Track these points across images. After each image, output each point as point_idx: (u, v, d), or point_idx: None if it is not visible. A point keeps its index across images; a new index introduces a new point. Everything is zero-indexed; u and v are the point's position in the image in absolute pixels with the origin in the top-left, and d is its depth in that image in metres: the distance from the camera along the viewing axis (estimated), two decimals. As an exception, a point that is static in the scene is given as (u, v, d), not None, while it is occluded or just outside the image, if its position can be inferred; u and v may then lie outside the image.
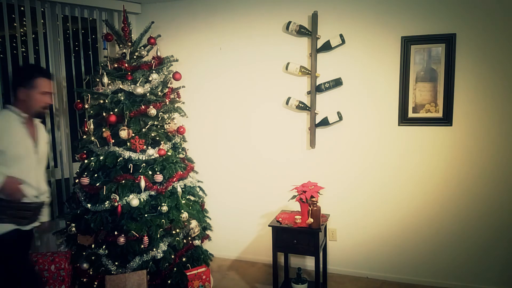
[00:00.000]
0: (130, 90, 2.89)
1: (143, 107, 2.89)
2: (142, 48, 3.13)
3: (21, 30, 3.22)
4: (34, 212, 2.04)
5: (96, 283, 2.83)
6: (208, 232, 3.37)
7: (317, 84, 3.29)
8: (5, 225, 2.02)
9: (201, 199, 3.31)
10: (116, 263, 2.81)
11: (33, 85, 2.10)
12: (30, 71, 2.15)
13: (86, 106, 2.93)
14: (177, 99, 3.22)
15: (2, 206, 1.96)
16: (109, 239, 2.80)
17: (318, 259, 2.77)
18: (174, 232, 2.97)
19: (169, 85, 3.13)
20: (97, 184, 2.82)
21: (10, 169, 2.02)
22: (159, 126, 3.04)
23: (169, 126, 3.07)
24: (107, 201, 2.75)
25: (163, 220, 2.84)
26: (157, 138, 2.94)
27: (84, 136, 2.92)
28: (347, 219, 3.36)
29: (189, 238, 3.06)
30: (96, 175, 2.86)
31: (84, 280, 2.88)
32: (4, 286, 2.11)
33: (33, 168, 2.15)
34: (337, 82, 3.22)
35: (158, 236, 2.84)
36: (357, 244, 3.36)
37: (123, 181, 2.78)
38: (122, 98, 2.88)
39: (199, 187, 3.32)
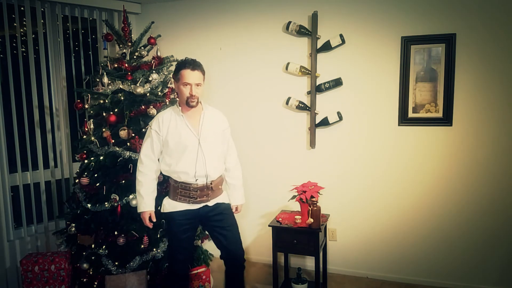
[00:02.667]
0: (130, 90, 2.89)
1: (143, 107, 2.89)
2: (142, 48, 3.13)
3: (21, 30, 3.22)
4: (197, 190, 2.37)
5: (96, 283, 2.83)
6: (208, 232, 3.37)
7: (317, 84, 3.29)
8: (178, 204, 2.40)
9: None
10: (116, 263, 2.80)
11: (179, 76, 2.33)
12: (178, 65, 2.35)
13: (86, 106, 2.93)
14: (177, 99, 3.22)
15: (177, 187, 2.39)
16: (109, 239, 2.80)
17: (318, 259, 2.77)
18: (174, 232, 2.97)
19: (169, 85, 3.13)
20: (97, 184, 2.82)
21: (171, 159, 2.37)
22: (159, 126, 3.04)
23: (169, 126, 3.07)
24: (107, 201, 2.75)
25: (163, 220, 2.84)
26: (157, 138, 2.94)
27: (84, 136, 2.92)
28: (347, 219, 3.36)
29: (189, 238, 3.06)
30: (96, 175, 2.86)
31: (84, 280, 2.88)
32: (169, 259, 2.53)
33: (189, 157, 2.35)
34: (337, 82, 3.22)
35: (158, 236, 2.84)
36: (357, 244, 3.36)
37: (123, 181, 2.79)
38: (122, 98, 2.88)
39: (199, 187, 3.32)
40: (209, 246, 3.52)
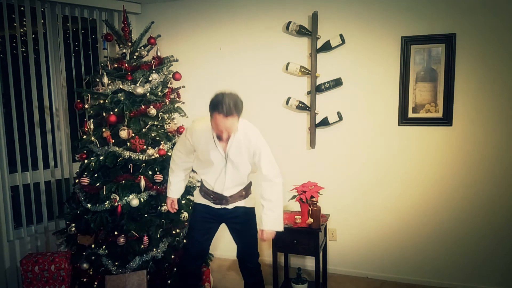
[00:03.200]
0: (130, 90, 2.89)
1: (143, 107, 2.89)
2: (142, 48, 3.13)
3: (21, 30, 3.21)
4: (215, 197, 2.49)
5: (96, 283, 2.83)
6: (208, 232, 3.37)
7: (317, 84, 3.29)
8: (202, 198, 2.55)
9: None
10: (116, 263, 2.80)
11: (212, 116, 2.19)
12: (212, 103, 2.16)
13: (86, 106, 2.93)
14: (177, 99, 3.22)
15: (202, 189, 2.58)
16: (109, 239, 2.80)
17: (318, 259, 2.77)
18: (174, 232, 2.97)
19: (169, 85, 3.13)
20: (97, 184, 2.82)
21: (198, 165, 2.52)
22: (159, 126, 3.04)
23: (169, 126, 3.07)
24: (107, 201, 2.74)
25: (163, 220, 2.85)
26: (157, 138, 2.94)
27: (84, 136, 2.92)
28: (347, 219, 3.36)
29: (189, 238, 3.06)
30: (96, 175, 2.86)
31: (84, 280, 2.88)
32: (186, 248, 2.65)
33: (213, 172, 2.43)
34: (337, 82, 3.22)
35: (158, 236, 2.84)
36: (357, 244, 3.36)
37: (123, 181, 2.78)
38: (122, 98, 2.88)
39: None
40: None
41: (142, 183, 2.76)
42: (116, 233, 2.77)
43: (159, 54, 3.12)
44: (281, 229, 2.43)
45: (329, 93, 3.29)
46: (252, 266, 2.55)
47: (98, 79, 2.98)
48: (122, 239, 2.75)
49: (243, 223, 2.52)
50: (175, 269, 2.92)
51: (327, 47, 3.20)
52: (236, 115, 2.18)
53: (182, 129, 3.15)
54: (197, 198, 2.60)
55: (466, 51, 2.93)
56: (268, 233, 2.39)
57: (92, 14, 3.57)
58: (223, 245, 3.72)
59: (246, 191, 2.51)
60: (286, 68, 3.36)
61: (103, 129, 2.85)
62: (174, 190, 2.64)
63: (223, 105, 2.09)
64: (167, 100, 3.04)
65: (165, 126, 3.06)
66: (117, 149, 2.82)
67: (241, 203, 2.50)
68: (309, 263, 3.50)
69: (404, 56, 3.05)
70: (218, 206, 2.50)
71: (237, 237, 2.56)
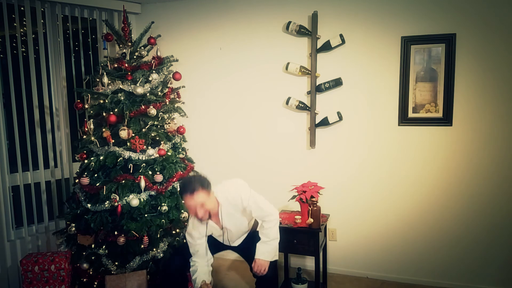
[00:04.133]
0: (130, 90, 2.90)
1: (143, 107, 2.89)
2: (142, 48, 3.13)
3: (21, 30, 3.22)
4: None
5: (96, 283, 2.84)
6: (208, 232, 3.37)
7: (317, 84, 3.29)
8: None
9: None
10: (116, 263, 2.81)
11: (184, 201, 2.36)
12: (179, 190, 2.54)
13: (86, 106, 2.93)
14: (177, 99, 3.22)
15: None
16: (109, 239, 2.80)
17: (318, 259, 2.77)
18: (174, 232, 2.98)
19: (169, 85, 3.13)
20: (97, 184, 2.82)
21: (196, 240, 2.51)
22: (159, 126, 3.04)
23: (169, 126, 3.07)
24: (107, 201, 2.75)
25: (163, 220, 2.85)
26: (157, 138, 2.94)
27: (84, 136, 2.92)
28: (347, 219, 3.36)
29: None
30: (96, 175, 2.86)
31: (84, 280, 2.89)
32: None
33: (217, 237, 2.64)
34: (337, 82, 3.22)
35: (158, 236, 2.85)
36: (357, 244, 3.36)
37: (123, 181, 2.79)
38: (122, 98, 2.88)
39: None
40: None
41: (142, 183, 2.77)
42: (116, 233, 2.77)
43: (159, 54, 3.13)
44: (275, 258, 2.52)
45: (329, 93, 3.29)
46: (263, 277, 2.52)
47: (98, 79, 2.98)
48: (122, 239, 2.75)
49: (247, 242, 2.65)
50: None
51: (327, 47, 3.20)
52: (204, 190, 2.28)
53: (182, 129, 3.15)
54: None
55: (466, 51, 2.92)
56: (260, 262, 2.42)
57: (92, 14, 3.57)
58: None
59: (251, 229, 2.70)
60: (286, 68, 3.36)
61: (103, 129, 2.85)
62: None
63: (186, 186, 2.27)
64: (167, 100, 3.04)
65: (165, 126, 3.06)
66: (117, 149, 2.83)
67: (245, 235, 2.68)
68: (309, 263, 3.50)
69: (404, 56, 3.05)
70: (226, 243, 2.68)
71: (244, 254, 2.69)
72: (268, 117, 3.51)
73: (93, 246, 2.84)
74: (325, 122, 3.28)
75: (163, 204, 2.84)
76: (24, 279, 2.88)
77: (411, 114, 3.09)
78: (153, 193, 2.87)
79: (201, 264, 2.50)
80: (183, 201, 2.44)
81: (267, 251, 2.46)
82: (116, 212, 2.73)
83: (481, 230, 3.03)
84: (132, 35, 3.09)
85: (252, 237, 2.61)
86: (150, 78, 2.99)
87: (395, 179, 3.20)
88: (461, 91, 2.97)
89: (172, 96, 3.13)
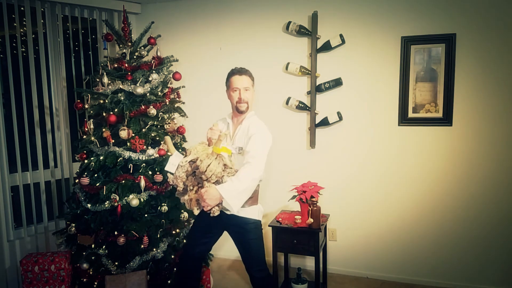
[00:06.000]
0: (130, 90, 2.89)
1: (143, 107, 2.89)
2: (142, 48, 3.13)
3: (21, 30, 3.22)
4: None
5: (96, 283, 2.83)
6: (208, 232, 3.37)
7: (317, 84, 3.29)
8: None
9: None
10: (116, 263, 2.80)
11: (228, 84, 2.51)
12: (228, 74, 2.52)
13: (86, 106, 2.93)
14: (177, 99, 3.22)
15: None
16: (109, 239, 2.80)
17: (318, 259, 2.77)
18: (174, 232, 2.97)
19: (169, 85, 3.13)
20: (97, 184, 2.82)
21: None
22: (159, 126, 3.04)
23: (169, 126, 3.06)
24: (107, 201, 2.74)
25: (163, 220, 2.85)
26: (157, 138, 2.94)
27: (84, 136, 2.92)
28: (347, 219, 3.36)
29: (189, 238, 3.06)
30: (96, 175, 2.86)
31: (84, 280, 2.88)
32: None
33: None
34: (337, 82, 3.22)
35: (158, 236, 2.84)
36: (357, 244, 3.36)
37: (123, 181, 2.78)
38: (122, 98, 2.88)
39: (199, 187, 3.31)
40: (209, 246, 3.51)
41: (142, 183, 2.76)
42: (116, 233, 2.77)
43: (159, 54, 3.12)
44: (227, 200, 2.18)
45: (329, 93, 3.29)
46: (258, 276, 2.48)
47: (98, 79, 2.98)
48: (122, 239, 2.75)
49: (244, 233, 2.43)
50: (175, 269, 2.92)
51: (327, 47, 3.20)
52: (249, 77, 2.49)
53: (182, 129, 3.15)
54: None
55: (466, 51, 2.93)
56: (211, 190, 2.16)
57: (92, 14, 3.57)
58: (223, 245, 3.72)
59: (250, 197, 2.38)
60: (286, 68, 3.36)
61: (103, 129, 2.85)
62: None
63: (237, 68, 2.49)
64: (167, 100, 3.04)
65: (165, 126, 3.06)
66: (117, 149, 2.83)
67: (242, 212, 2.37)
68: (309, 263, 3.50)
69: (404, 56, 3.05)
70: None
71: (240, 248, 2.50)
72: (268, 117, 3.50)
73: (93, 246, 2.84)
74: (325, 122, 3.28)
75: (163, 204, 2.84)
76: (24, 279, 2.87)
77: (411, 114, 3.10)
78: (153, 193, 2.87)
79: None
80: (228, 83, 2.51)
81: (227, 187, 2.18)
82: (116, 212, 2.73)
83: (481, 230, 3.03)
84: (132, 35, 3.09)
85: (247, 224, 2.43)
86: (150, 78, 2.98)
87: (395, 179, 3.20)
88: (461, 91, 2.97)
89: (172, 96, 3.12)
